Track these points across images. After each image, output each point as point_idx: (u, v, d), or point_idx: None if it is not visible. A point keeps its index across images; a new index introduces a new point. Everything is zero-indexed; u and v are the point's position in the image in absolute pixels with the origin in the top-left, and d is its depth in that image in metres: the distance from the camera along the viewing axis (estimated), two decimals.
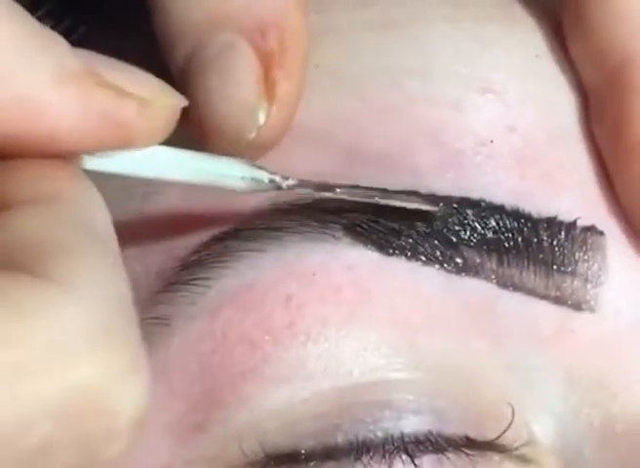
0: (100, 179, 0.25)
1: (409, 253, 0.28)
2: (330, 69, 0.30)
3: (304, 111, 0.29)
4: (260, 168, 0.27)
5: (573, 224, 0.29)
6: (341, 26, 0.31)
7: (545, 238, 0.29)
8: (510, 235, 0.29)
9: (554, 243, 0.29)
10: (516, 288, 0.29)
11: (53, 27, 0.24)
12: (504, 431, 0.27)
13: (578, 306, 0.29)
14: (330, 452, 0.27)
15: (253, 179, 0.27)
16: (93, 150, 0.24)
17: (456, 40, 0.31)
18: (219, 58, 0.28)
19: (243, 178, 0.27)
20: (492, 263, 0.29)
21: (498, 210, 0.29)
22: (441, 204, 0.28)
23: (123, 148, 0.25)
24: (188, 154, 0.27)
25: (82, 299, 0.20)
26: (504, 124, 0.30)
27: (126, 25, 0.33)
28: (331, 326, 0.27)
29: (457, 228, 0.29)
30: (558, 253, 0.29)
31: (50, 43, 0.23)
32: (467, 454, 0.27)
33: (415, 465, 0.27)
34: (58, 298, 0.20)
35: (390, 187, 0.29)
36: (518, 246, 0.29)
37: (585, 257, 0.29)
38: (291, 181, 0.27)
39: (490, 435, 0.27)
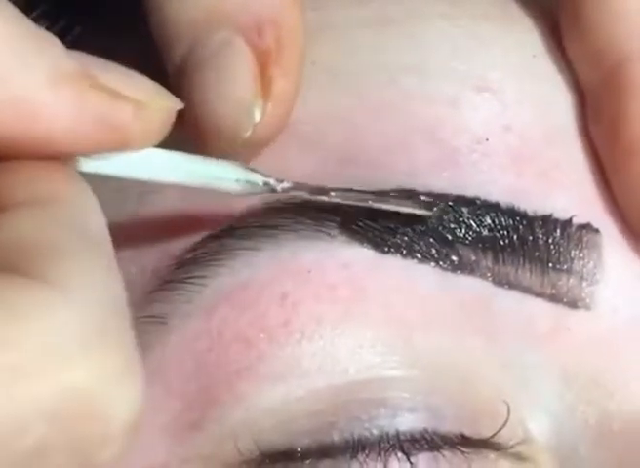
0: (96, 180, 0.25)
1: (404, 251, 0.28)
2: (326, 67, 0.30)
3: (301, 109, 0.29)
4: (255, 171, 0.27)
5: (568, 222, 0.29)
6: (338, 24, 0.31)
7: (541, 236, 0.29)
8: (506, 233, 0.29)
9: (550, 241, 0.29)
10: (512, 285, 0.29)
11: (48, 28, 0.24)
12: (500, 429, 0.27)
13: (573, 304, 0.29)
14: (325, 450, 0.27)
15: (247, 182, 0.27)
16: (88, 152, 0.24)
17: (452, 37, 0.31)
18: (215, 57, 0.28)
19: (237, 181, 0.27)
20: (487, 261, 0.28)
21: (493, 207, 0.29)
22: (435, 209, 0.28)
23: (118, 151, 0.25)
24: (183, 157, 0.27)
25: (76, 302, 0.20)
26: (501, 123, 0.30)
27: (122, 26, 0.33)
28: (326, 324, 0.27)
29: (452, 226, 0.29)
30: (554, 251, 0.29)
31: (45, 44, 0.23)
32: (463, 452, 0.27)
33: (410, 463, 0.27)
34: (52, 301, 0.20)
35: (386, 185, 0.29)
36: (514, 243, 0.29)
37: (581, 255, 0.29)
38: (285, 184, 0.28)
39: (485, 433, 0.27)
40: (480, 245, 0.29)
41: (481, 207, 0.29)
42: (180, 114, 0.26)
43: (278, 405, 0.27)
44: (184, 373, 0.28)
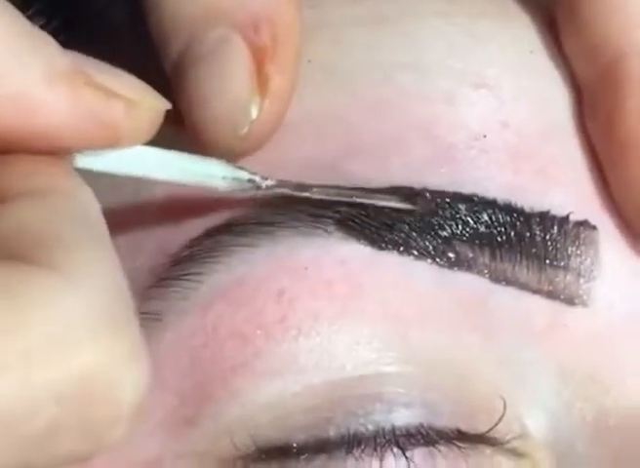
0: (90, 177, 0.25)
1: (401, 248, 0.28)
2: (323, 64, 0.30)
3: (297, 106, 0.29)
4: (241, 168, 0.28)
5: (565, 219, 0.29)
6: (334, 22, 0.31)
7: (538, 232, 0.29)
8: (503, 229, 0.29)
9: (547, 237, 0.29)
10: (509, 282, 0.29)
11: (43, 26, 0.24)
12: (496, 424, 0.27)
13: (570, 301, 0.29)
14: (321, 446, 0.27)
15: (234, 179, 0.27)
16: (82, 148, 0.25)
17: (448, 35, 0.31)
18: (212, 53, 0.28)
19: (224, 178, 0.27)
20: (484, 258, 0.28)
21: (490, 204, 0.29)
22: (419, 201, 0.28)
23: (111, 147, 0.25)
24: (172, 154, 0.27)
25: (82, 289, 0.20)
26: (498, 119, 0.30)
27: (119, 24, 0.33)
28: (323, 320, 0.27)
29: (449, 222, 0.29)
30: (551, 248, 0.29)
31: (40, 43, 0.23)
32: (459, 447, 0.27)
33: (406, 458, 0.27)
34: (59, 287, 0.20)
35: (383, 183, 0.29)
36: (511, 240, 0.29)
37: (578, 252, 0.29)
38: (270, 182, 0.28)
39: (482, 428, 0.27)
40: (477, 241, 0.29)
41: (478, 203, 0.29)
42: (169, 113, 0.26)
43: (274, 400, 0.27)
44: (180, 370, 0.28)
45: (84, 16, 0.34)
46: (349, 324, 0.28)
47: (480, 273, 0.28)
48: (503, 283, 0.29)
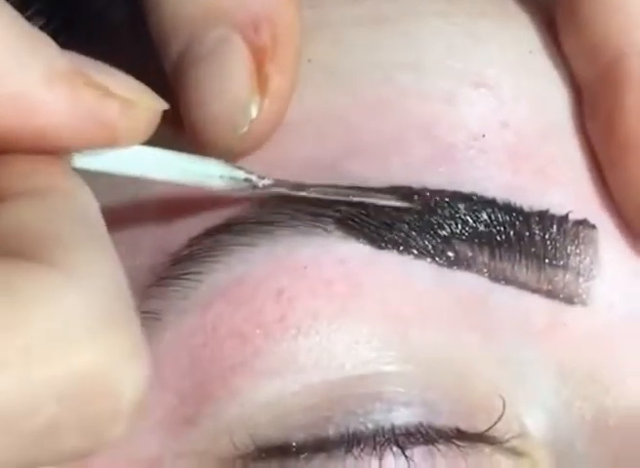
0: (90, 177, 0.25)
1: (401, 247, 0.28)
2: (323, 64, 0.30)
3: (297, 106, 0.29)
4: (238, 168, 0.28)
5: (565, 218, 0.29)
6: (334, 22, 0.31)
7: (537, 231, 0.29)
8: (502, 229, 0.29)
9: (546, 236, 0.29)
10: (508, 281, 0.29)
11: (42, 27, 0.24)
12: (495, 423, 0.27)
13: (570, 300, 0.29)
14: (321, 445, 0.27)
15: (231, 178, 0.28)
16: (81, 148, 0.25)
17: (448, 35, 0.31)
18: (212, 53, 0.28)
19: (222, 177, 0.27)
20: (484, 257, 0.29)
21: (489, 203, 0.29)
22: (416, 199, 0.28)
23: (109, 147, 0.25)
24: (170, 154, 0.27)
25: (82, 288, 0.20)
26: (497, 119, 0.30)
27: (118, 25, 0.33)
28: (322, 319, 0.27)
29: (448, 222, 0.29)
30: (550, 247, 0.29)
31: (39, 44, 0.24)
32: (458, 446, 0.27)
33: (405, 457, 0.27)
34: (59, 284, 0.20)
35: (383, 183, 0.29)
36: (510, 239, 0.29)
37: (577, 251, 0.29)
38: (266, 181, 0.28)
39: (481, 427, 0.27)
40: (476, 241, 0.29)
41: (478, 203, 0.29)
42: (167, 114, 0.26)
43: (274, 400, 0.27)
44: (179, 369, 0.28)
45: (83, 16, 0.34)
46: (349, 323, 0.28)
47: (479, 272, 0.28)
48: (503, 282, 0.29)
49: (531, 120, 0.30)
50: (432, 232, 0.28)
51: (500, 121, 0.30)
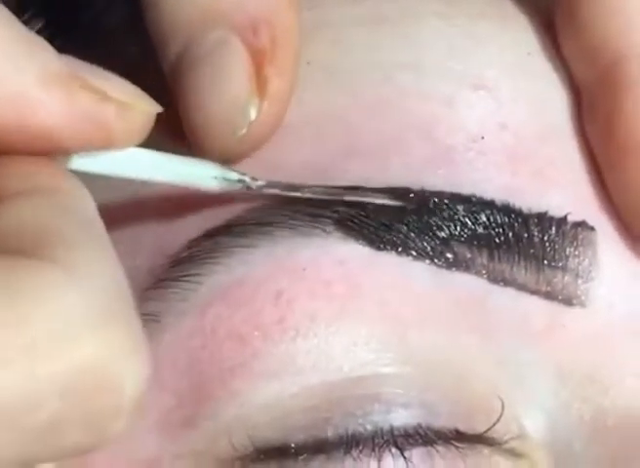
0: (88, 178, 0.25)
1: (399, 248, 0.28)
2: (322, 65, 0.30)
3: (297, 107, 0.29)
4: (231, 169, 0.28)
5: (563, 220, 0.29)
6: (334, 22, 0.31)
7: (536, 233, 0.29)
8: (501, 230, 0.29)
9: (545, 238, 0.29)
10: (507, 283, 0.29)
11: (39, 31, 0.24)
12: (494, 424, 0.27)
13: (568, 301, 0.29)
14: (320, 446, 0.27)
15: (224, 179, 0.28)
16: (78, 149, 0.25)
17: (449, 36, 0.31)
18: (211, 55, 0.28)
19: (215, 178, 0.28)
20: (482, 258, 0.29)
21: (488, 205, 0.29)
22: (411, 198, 0.28)
23: (104, 148, 0.25)
24: (165, 156, 0.27)
25: (82, 287, 0.21)
26: (496, 121, 0.30)
27: (115, 28, 0.33)
28: (320, 321, 0.27)
29: (447, 223, 0.29)
30: (549, 249, 0.29)
31: (36, 48, 0.24)
32: (457, 447, 0.27)
33: (404, 458, 0.27)
34: (61, 282, 0.20)
35: (382, 183, 0.29)
36: (509, 241, 0.29)
37: (576, 253, 0.29)
38: (260, 182, 0.28)
39: (480, 428, 0.27)
40: (475, 242, 0.29)
41: (476, 204, 0.29)
42: (159, 117, 0.26)
43: (272, 401, 0.27)
44: (178, 371, 0.28)
45: (80, 20, 0.34)
46: (347, 324, 0.28)
47: (478, 274, 0.28)
48: (501, 283, 0.29)
49: (529, 122, 0.30)
50: (431, 233, 0.28)
51: (499, 123, 0.30)
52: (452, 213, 0.29)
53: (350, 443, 0.27)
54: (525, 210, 0.29)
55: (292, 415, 0.27)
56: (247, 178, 0.28)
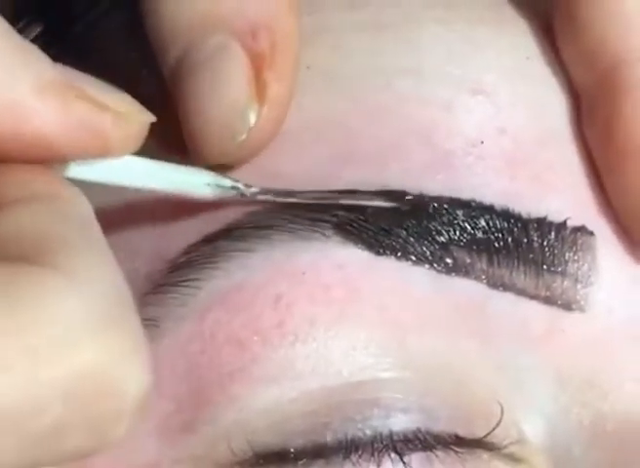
0: (85, 184, 0.25)
1: (399, 253, 0.28)
2: (322, 70, 0.30)
3: (296, 113, 0.29)
4: (225, 176, 0.28)
5: (563, 225, 0.29)
6: (334, 28, 0.31)
7: (535, 238, 0.29)
8: (500, 235, 0.29)
9: (544, 243, 0.29)
10: (506, 288, 0.29)
11: (35, 39, 0.24)
12: (493, 429, 0.27)
13: (568, 306, 0.29)
14: (319, 451, 0.27)
15: (218, 186, 0.28)
16: (76, 157, 0.25)
17: (448, 41, 0.31)
18: (210, 60, 0.28)
19: (209, 185, 0.28)
20: (482, 263, 0.29)
21: (487, 210, 0.29)
22: (407, 197, 0.28)
23: (101, 156, 0.25)
24: (159, 164, 0.27)
25: (83, 293, 0.21)
26: (495, 125, 0.30)
27: (111, 35, 0.33)
28: (319, 325, 0.27)
29: (446, 228, 0.29)
30: (548, 254, 0.29)
31: (30, 57, 0.24)
32: (456, 452, 0.27)
33: (403, 463, 0.27)
34: (62, 288, 0.21)
35: (381, 188, 0.29)
36: (508, 246, 0.29)
37: (575, 258, 0.29)
38: (254, 189, 0.28)
39: (479, 433, 0.27)
40: (475, 247, 0.29)
41: (476, 209, 0.29)
42: (153, 125, 0.26)
43: (272, 406, 0.27)
44: (177, 376, 0.28)
45: (76, 28, 0.34)
46: (346, 329, 0.28)
47: (478, 279, 0.28)
48: (501, 288, 0.29)
49: (528, 126, 0.30)
50: (430, 238, 0.28)
51: (498, 127, 0.30)
52: (451, 217, 0.29)
53: (349, 448, 0.27)
54: (524, 214, 0.29)
55: (291, 420, 0.27)
56: (240, 185, 0.28)
